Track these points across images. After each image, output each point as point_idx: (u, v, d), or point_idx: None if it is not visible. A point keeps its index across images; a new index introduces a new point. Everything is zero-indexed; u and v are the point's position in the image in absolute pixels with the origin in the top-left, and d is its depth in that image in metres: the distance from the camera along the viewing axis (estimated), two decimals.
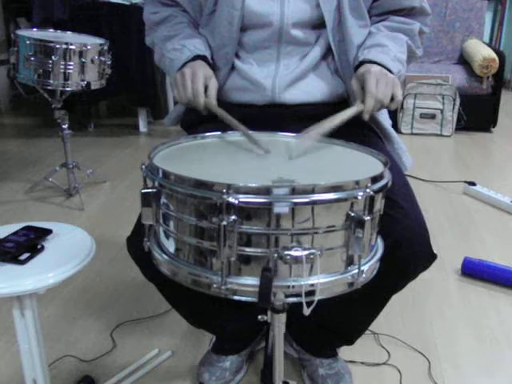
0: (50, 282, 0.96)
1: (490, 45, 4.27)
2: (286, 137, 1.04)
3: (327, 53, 1.20)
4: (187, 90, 1.10)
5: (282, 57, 1.19)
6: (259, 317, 0.87)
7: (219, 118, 1.07)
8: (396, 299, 1.20)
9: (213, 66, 1.18)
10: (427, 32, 1.27)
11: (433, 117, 3.89)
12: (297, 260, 0.71)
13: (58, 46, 2.25)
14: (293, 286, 0.74)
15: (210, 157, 0.93)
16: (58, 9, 3.59)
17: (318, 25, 1.18)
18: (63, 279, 0.98)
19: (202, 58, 1.17)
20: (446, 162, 3.35)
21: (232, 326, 1.34)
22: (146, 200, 0.79)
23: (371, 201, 0.74)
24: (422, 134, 3.93)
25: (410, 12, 1.23)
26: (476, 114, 3.93)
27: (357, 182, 0.73)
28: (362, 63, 1.11)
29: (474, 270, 1.90)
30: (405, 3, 1.21)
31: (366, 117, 1.05)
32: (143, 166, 0.81)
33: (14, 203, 2.54)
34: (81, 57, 2.31)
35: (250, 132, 0.99)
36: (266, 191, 0.70)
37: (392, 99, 1.06)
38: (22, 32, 2.36)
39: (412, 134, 3.93)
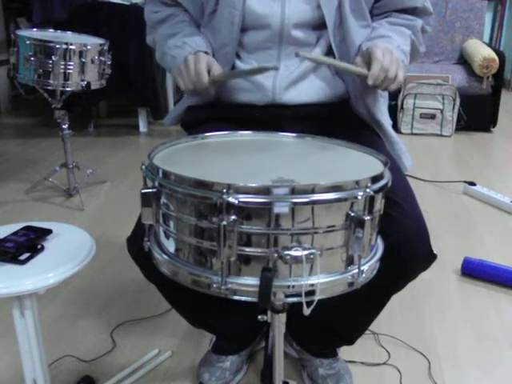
0: (50, 282, 0.96)
1: (490, 45, 4.26)
2: (286, 137, 1.04)
3: (328, 53, 1.20)
4: (191, 73, 1.11)
5: (282, 57, 1.19)
6: (259, 317, 0.87)
7: (229, 77, 1.08)
8: (396, 299, 1.20)
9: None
10: (430, 31, 1.27)
11: (433, 117, 3.89)
12: (297, 260, 0.72)
13: (58, 46, 2.25)
14: (293, 286, 0.74)
15: (210, 157, 0.93)
16: (58, 9, 3.60)
17: (319, 25, 1.17)
18: (63, 279, 0.98)
19: (204, 53, 1.17)
20: (445, 162, 3.35)
21: (232, 326, 1.34)
22: (146, 200, 0.79)
23: (371, 201, 0.75)
24: (422, 134, 3.93)
25: (412, 12, 1.23)
26: (476, 114, 3.93)
27: (357, 182, 0.73)
28: None
29: (474, 270, 1.90)
30: (407, 3, 1.21)
31: (370, 82, 1.03)
32: (143, 166, 0.81)
33: (14, 203, 2.54)
34: (81, 57, 2.31)
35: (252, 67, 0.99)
36: (265, 191, 0.70)
37: (394, 79, 1.05)
38: (22, 32, 2.36)
39: (412, 134, 3.93)
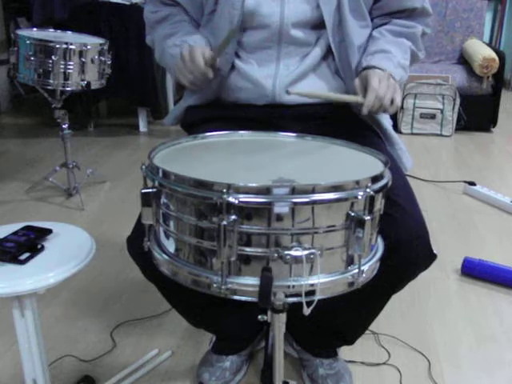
0: (50, 282, 0.96)
1: (490, 45, 4.26)
2: (287, 137, 1.04)
3: (327, 53, 1.20)
4: (187, 63, 1.11)
5: (282, 57, 1.19)
6: (259, 317, 0.87)
7: (219, 51, 1.11)
8: (396, 299, 1.20)
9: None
10: (429, 33, 1.27)
11: (433, 117, 3.89)
12: (297, 260, 0.72)
13: (57, 46, 2.25)
14: (293, 286, 0.74)
15: (210, 157, 0.93)
16: (58, 9, 3.60)
17: (318, 25, 1.18)
18: (63, 279, 0.98)
19: None
20: (445, 162, 3.35)
21: (232, 326, 1.34)
22: (146, 200, 0.79)
23: (371, 200, 0.75)
24: (422, 134, 3.93)
25: (411, 13, 1.23)
26: (476, 114, 3.92)
27: (357, 182, 0.73)
28: (365, 69, 1.11)
29: (474, 270, 1.90)
30: (406, 4, 1.21)
31: (365, 111, 1.04)
32: (143, 166, 0.81)
33: (14, 203, 2.54)
34: (81, 57, 2.31)
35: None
36: (266, 191, 0.70)
37: (391, 104, 1.06)
38: (22, 32, 2.36)
39: (412, 133, 3.93)
